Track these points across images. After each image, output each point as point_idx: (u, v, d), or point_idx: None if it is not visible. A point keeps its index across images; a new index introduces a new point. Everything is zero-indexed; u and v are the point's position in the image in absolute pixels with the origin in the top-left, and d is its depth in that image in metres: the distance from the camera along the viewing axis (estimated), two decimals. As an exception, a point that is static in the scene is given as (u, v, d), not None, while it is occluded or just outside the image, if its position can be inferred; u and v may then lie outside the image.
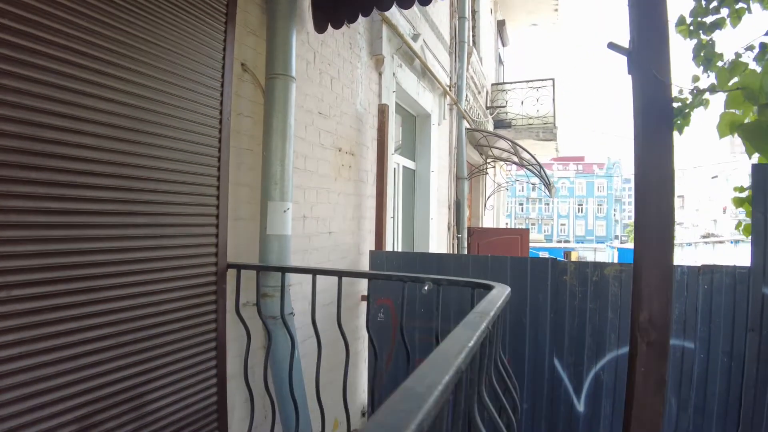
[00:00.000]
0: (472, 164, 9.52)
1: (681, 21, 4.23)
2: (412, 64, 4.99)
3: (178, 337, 2.04)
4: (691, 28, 4.28)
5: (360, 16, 2.77)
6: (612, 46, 2.06)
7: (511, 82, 12.09)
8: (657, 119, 1.89)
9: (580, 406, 3.47)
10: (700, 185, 69.09)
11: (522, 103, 11.53)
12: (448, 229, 6.88)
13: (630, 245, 49.60)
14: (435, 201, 5.90)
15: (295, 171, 2.78)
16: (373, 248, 3.96)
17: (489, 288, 1.92)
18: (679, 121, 4.51)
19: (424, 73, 5.34)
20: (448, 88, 6.29)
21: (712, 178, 63.53)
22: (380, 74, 4.16)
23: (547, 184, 8.18)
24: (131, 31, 1.83)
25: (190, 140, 2.13)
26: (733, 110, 1.99)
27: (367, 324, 2.20)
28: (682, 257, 26.29)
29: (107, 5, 1.73)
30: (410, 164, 5.57)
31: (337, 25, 2.85)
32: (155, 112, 1.94)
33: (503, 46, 14.49)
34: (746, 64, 3.85)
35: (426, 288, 1.94)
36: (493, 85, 11.95)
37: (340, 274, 2.20)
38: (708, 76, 4.29)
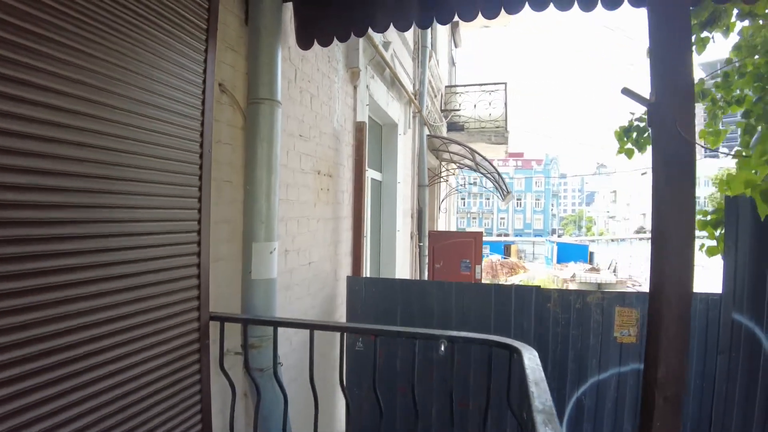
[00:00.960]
0: (429, 168, 9.49)
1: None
2: (383, 74, 4.81)
3: (160, 401, 1.77)
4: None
5: (352, 35, 2.56)
6: (627, 92, 1.99)
7: (465, 85, 12.13)
8: (679, 174, 1.84)
9: (562, 430, 3.47)
10: (631, 181, 73.64)
11: (475, 106, 11.60)
12: (411, 238, 6.78)
13: (569, 239, 51.95)
14: (401, 212, 5.78)
15: (279, 203, 2.54)
16: (349, 272, 3.77)
17: (508, 348, 1.80)
18: (640, 141, 4.62)
19: (393, 82, 5.18)
20: (413, 96, 6.16)
21: (642, 174, 67.83)
22: (355, 87, 3.95)
23: (505, 192, 8.27)
24: (105, 58, 1.54)
25: (169, 182, 1.86)
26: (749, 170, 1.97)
27: (375, 387, 2.01)
28: (618, 252, 27.86)
29: (78, 28, 1.44)
30: (377, 176, 5.41)
31: (325, 43, 2.62)
32: (131, 154, 1.66)
33: (455, 47, 14.56)
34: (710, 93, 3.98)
35: (442, 349, 1.79)
36: (446, 87, 11.95)
37: (342, 329, 2.01)
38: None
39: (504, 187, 8.26)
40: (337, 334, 2.08)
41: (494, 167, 8.02)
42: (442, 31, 11.52)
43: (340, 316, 3.69)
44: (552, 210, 79.43)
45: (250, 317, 2.16)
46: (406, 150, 6.28)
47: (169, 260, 1.85)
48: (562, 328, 3.41)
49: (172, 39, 1.86)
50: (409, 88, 6.18)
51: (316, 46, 2.66)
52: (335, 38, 2.60)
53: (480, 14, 2.38)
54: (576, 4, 2.29)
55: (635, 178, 71.68)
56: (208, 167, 2.10)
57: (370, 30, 2.52)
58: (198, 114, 2.05)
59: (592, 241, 38.62)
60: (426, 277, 7.45)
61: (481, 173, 8.57)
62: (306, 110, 3.05)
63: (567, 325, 3.40)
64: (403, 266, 6.07)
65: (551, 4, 2.30)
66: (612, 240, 33.72)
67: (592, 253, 32.57)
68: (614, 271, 25.09)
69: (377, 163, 5.50)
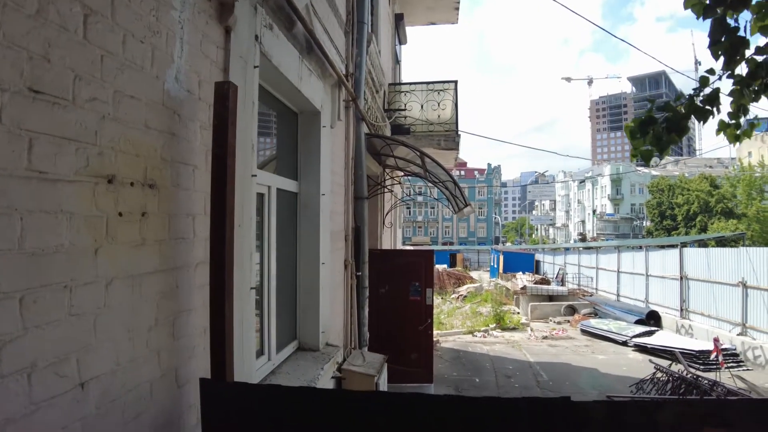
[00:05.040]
0: (369, 175, 7.88)
1: (694, -9, 2.89)
2: (292, 30, 3.13)
3: None
4: (708, 1, 2.96)
5: None
6: None
7: (410, 83, 10.72)
8: None
9: None
10: (569, 191, 75.88)
11: (422, 107, 10.19)
12: (345, 267, 5.10)
13: (513, 247, 52.09)
14: (327, 235, 4.09)
15: None
16: (206, 365, 2.01)
17: None
18: (663, 139, 3.21)
19: (311, 49, 3.50)
20: (344, 78, 4.50)
21: (580, 182, 70.08)
22: (228, 31, 2.25)
23: (462, 204, 6.77)
24: None
25: None
26: None
27: None
28: (563, 261, 27.34)
29: None
30: (290, 185, 3.69)
31: None
32: None
33: (400, 44, 13.12)
34: None
35: None
36: (390, 85, 10.46)
37: None
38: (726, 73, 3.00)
39: (461, 197, 6.75)
40: None
41: (450, 175, 6.51)
42: (384, 19, 10.02)
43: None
44: (495, 218, 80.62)
45: None
46: (337, 151, 4.61)
47: None
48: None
49: None
50: (340, 66, 4.53)
51: None
52: None
53: None
54: None
55: (573, 188, 73.95)
56: None
57: None
58: None
59: (536, 249, 38.48)
60: (366, 315, 5.77)
61: (432, 181, 7.03)
62: (64, 38, 1.32)
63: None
64: (333, 309, 4.37)
65: None
66: (555, 249, 33.53)
67: (538, 262, 32.10)
68: (562, 281, 24.49)
69: (290, 166, 3.79)
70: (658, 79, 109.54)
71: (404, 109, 9.97)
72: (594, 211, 64.94)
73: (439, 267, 30.41)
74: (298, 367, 3.39)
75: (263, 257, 3.12)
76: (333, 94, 4.28)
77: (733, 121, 3.24)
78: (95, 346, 1.43)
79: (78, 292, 1.36)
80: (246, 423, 1.80)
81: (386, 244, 10.32)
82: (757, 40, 3.50)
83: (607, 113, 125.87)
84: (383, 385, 4.88)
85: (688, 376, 8.29)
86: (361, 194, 5.59)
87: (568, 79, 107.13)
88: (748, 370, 10.12)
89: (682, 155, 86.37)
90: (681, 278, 13.71)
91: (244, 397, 1.84)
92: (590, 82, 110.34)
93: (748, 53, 2.85)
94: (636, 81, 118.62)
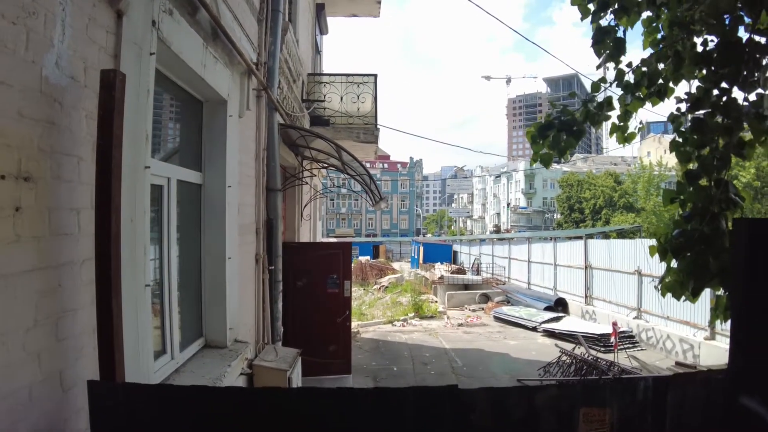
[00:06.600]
0: (286, 167, 7.77)
1: (580, -8, 3.15)
2: (195, 16, 3.02)
3: None
4: (592, 7, 3.23)
5: None
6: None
7: (331, 74, 10.66)
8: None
9: None
10: (486, 185, 79.44)
11: (342, 99, 10.17)
12: (257, 261, 5.02)
13: (433, 238, 53.56)
14: (234, 229, 4.00)
15: None
16: (95, 367, 1.92)
17: None
18: (562, 143, 3.44)
19: (216, 35, 3.39)
20: (254, 67, 4.41)
21: (496, 177, 73.62)
22: (120, 15, 2.13)
23: (377, 198, 6.88)
24: None
25: None
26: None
27: None
28: (478, 251, 28.60)
29: None
30: (193, 177, 3.56)
31: None
32: None
33: (321, 34, 12.97)
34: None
35: None
36: (309, 75, 10.34)
37: None
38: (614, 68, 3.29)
39: (376, 191, 6.87)
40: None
41: (365, 168, 6.59)
42: (304, 8, 9.86)
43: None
44: (416, 210, 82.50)
45: None
46: (246, 141, 4.51)
47: None
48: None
49: None
50: (250, 54, 4.42)
51: None
52: None
53: None
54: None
55: (489, 183, 77.54)
56: None
57: None
58: None
59: (454, 240, 39.93)
60: (280, 309, 5.71)
61: (350, 174, 7.09)
62: None
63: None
64: (242, 305, 4.30)
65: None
66: (472, 240, 35.01)
67: (455, 253, 33.37)
68: (477, 270, 25.65)
69: (193, 157, 3.65)
70: (571, 81, 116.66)
71: (323, 100, 9.88)
72: (508, 204, 68.46)
73: (363, 259, 30.68)
74: (204, 365, 3.31)
75: (163, 252, 3.00)
76: (242, 82, 4.18)
77: (622, 124, 3.57)
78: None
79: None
80: (138, 424, 1.75)
81: (305, 237, 10.24)
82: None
83: (524, 111, 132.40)
84: (297, 379, 4.88)
85: (589, 358, 9.05)
86: (274, 186, 5.51)
87: (488, 78, 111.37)
88: (642, 350, 11.21)
89: (590, 153, 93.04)
90: (585, 267, 14.80)
91: (135, 397, 1.78)
92: (509, 81, 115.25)
93: (634, 62, 3.16)
94: (551, 82, 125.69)
